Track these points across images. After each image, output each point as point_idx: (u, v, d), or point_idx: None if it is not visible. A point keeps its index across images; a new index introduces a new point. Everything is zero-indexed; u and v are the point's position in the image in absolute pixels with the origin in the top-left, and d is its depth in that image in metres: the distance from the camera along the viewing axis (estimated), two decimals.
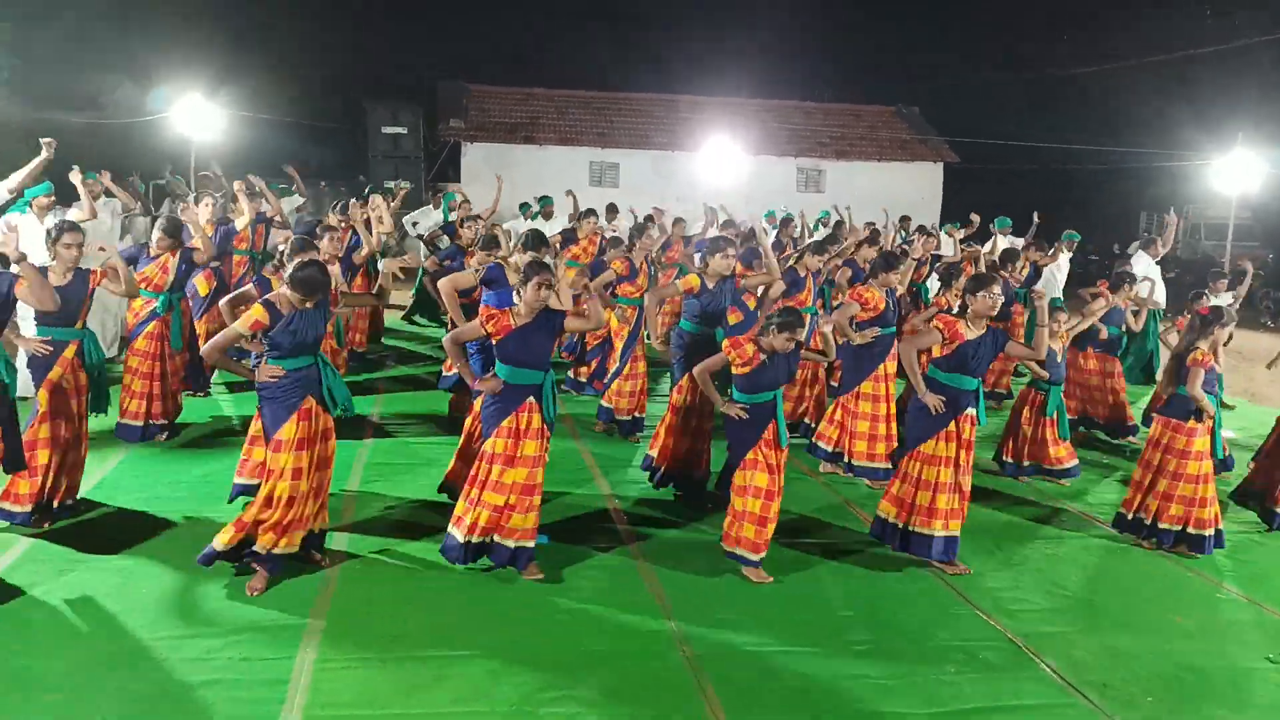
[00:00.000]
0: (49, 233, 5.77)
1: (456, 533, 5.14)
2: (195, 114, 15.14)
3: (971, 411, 5.67)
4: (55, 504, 5.64)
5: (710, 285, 6.68)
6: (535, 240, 6.37)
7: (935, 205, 26.46)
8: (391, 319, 12.99)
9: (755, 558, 5.38)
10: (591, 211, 11.21)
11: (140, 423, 7.23)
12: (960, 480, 5.66)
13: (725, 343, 5.55)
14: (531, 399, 5.12)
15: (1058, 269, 11.96)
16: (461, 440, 6.15)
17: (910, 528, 5.70)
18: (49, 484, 5.57)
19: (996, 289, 5.69)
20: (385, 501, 6.37)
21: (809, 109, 28.95)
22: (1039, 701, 4.31)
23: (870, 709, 4.18)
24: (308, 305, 4.94)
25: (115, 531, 5.61)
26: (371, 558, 5.42)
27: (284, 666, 4.22)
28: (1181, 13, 27.08)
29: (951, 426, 5.61)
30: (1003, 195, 28.40)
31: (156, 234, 7.50)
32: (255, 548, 4.90)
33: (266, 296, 5.04)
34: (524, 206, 15.90)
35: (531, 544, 5.19)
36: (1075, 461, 7.55)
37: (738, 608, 5.07)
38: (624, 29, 38.50)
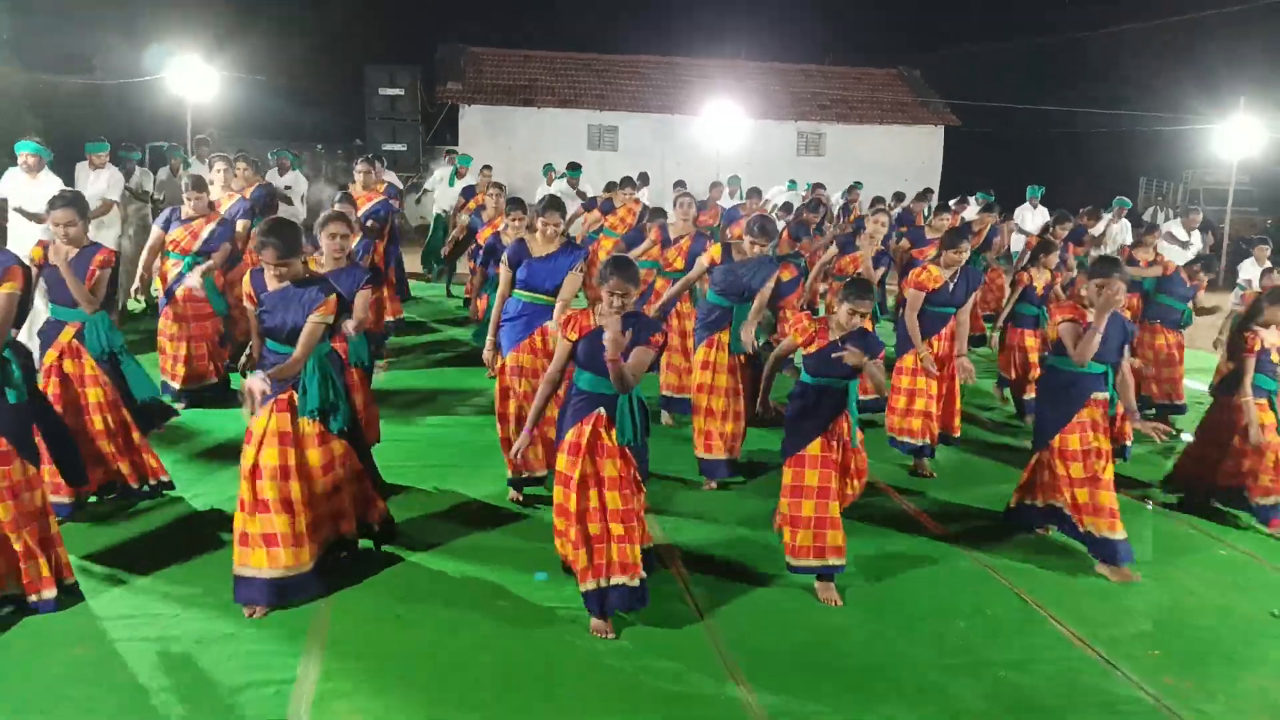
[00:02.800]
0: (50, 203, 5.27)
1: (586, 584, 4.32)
2: (191, 76, 15.01)
3: (1101, 395, 5.30)
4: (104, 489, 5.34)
5: (735, 257, 6.22)
6: (550, 200, 5.89)
7: (935, 169, 26.38)
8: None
9: (819, 564, 4.74)
10: (629, 180, 11.05)
11: (170, 380, 7.21)
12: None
13: (791, 317, 5.07)
14: (602, 411, 4.34)
15: (1116, 238, 11.91)
16: (497, 405, 5.79)
17: (1084, 529, 5.32)
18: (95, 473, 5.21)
19: (1117, 281, 5.17)
20: (394, 504, 5.50)
21: (810, 71, 28.74)
22: (1049, 655, 4.37)
23: None
24: (286, 282, 4.36)
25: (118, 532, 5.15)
26: (373, 580, 4.71)
27: (280, 701, 3.72)
28: None
29: (1082, 415, 5.26)
30: (1004, 159, 28.37)
31: (193, 194, 7.23)
32: (236, 568, 4.33)
33: (254, 265, 4.57)
34: (548, 167, 15.71)
35: (635, 581, 4.32)
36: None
37: (807, 663, 4.22)
38: None
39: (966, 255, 6.74)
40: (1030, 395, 7.98)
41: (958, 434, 7.01)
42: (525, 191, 13.57)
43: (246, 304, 4.53)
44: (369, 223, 8.71)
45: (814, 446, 4.75)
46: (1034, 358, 7.97)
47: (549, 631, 4.32)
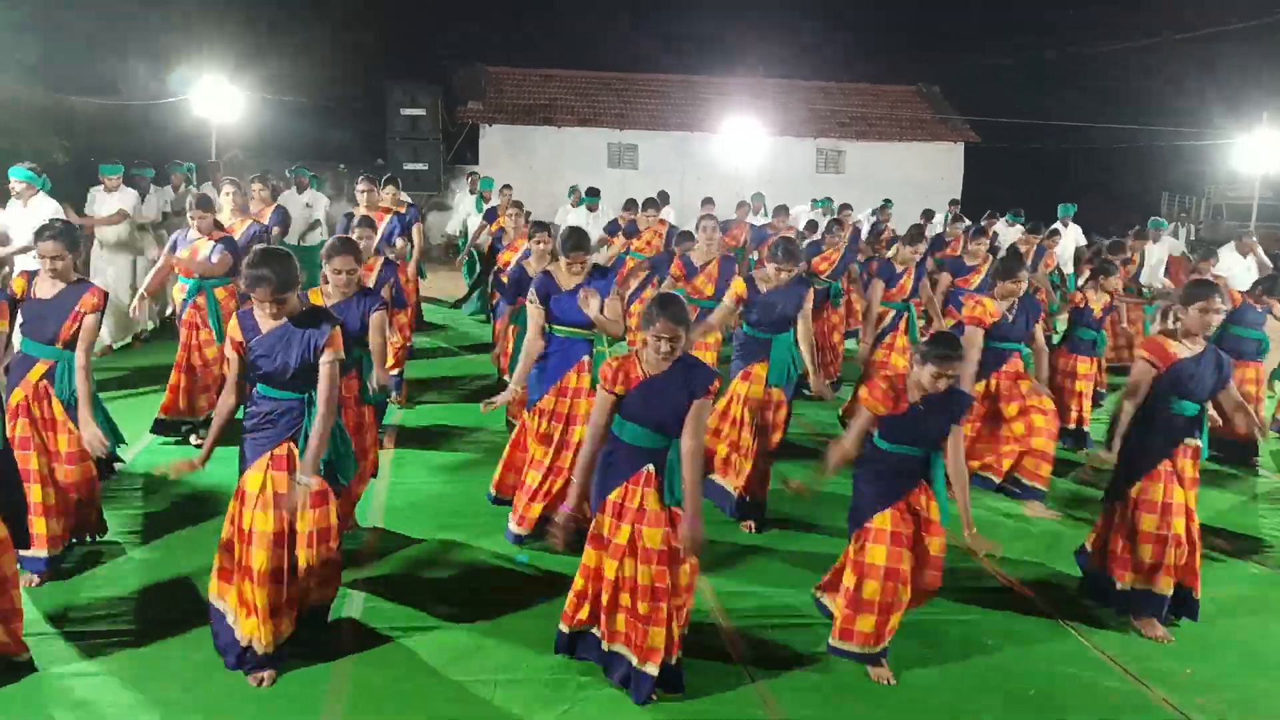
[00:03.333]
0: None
1: (561, 625, 4.14)
2: (215, 96, 15.16)
3: (1194, 441, 4.75)
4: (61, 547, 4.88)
5: (761, 288, 5.88)
6: (576, 239, 5.45)
7: (956, 186, 26.31)
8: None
9: (874, 651, 4.20)
10: (652, 201, 10.85)
11: (165, 416, 6.79)
12: (1190, 530, 4.74)
13: (864, 390, 4.35)
14: (651, 468, 3.91)
15: (1159, 261, 11.65)
16: (508, 449, 5.64)
17: (1138, 587, 4.76)
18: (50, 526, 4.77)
19: (1218, 303, 4.67)
20: (412, 551, 5.35)
21: (829, 89, 28.76)
22: (1079, 674, 4.35)
23: None
24: (283, 319, 3.95)
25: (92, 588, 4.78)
26: (392, 636, 4.40)
27: None
28: None
29: (1167, 464, 4.70)
30: (1025, 176, 28.28)
31: (197, 213, 6.87)
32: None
33: (245, 307, 4.11)
34: (574, 189, 15.40)
35: (654, 669, 3.87)
36: None
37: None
38: (643, 9, 38.39)
39: (1024, 285, 6.27)
40: (1071, 424, 7.51)
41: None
42: (546, 212, 13.58)
43: (232, 354, 4.05)
44: (392, 240, 8.53)
45: (883, 519, 4.12)
46: (1081, 386, 7.56)
47: (574, 664, 4.19)
